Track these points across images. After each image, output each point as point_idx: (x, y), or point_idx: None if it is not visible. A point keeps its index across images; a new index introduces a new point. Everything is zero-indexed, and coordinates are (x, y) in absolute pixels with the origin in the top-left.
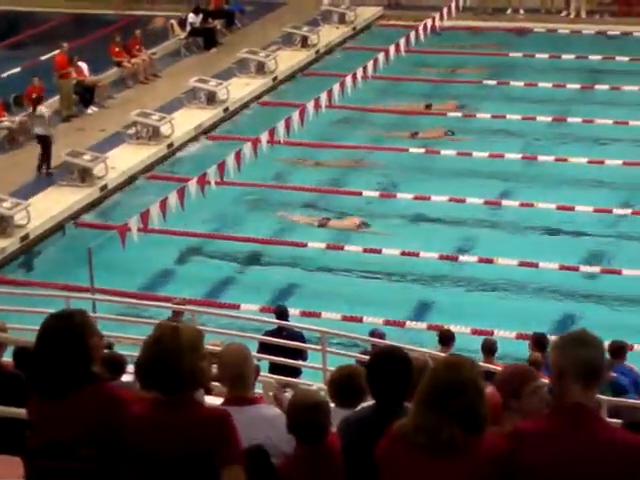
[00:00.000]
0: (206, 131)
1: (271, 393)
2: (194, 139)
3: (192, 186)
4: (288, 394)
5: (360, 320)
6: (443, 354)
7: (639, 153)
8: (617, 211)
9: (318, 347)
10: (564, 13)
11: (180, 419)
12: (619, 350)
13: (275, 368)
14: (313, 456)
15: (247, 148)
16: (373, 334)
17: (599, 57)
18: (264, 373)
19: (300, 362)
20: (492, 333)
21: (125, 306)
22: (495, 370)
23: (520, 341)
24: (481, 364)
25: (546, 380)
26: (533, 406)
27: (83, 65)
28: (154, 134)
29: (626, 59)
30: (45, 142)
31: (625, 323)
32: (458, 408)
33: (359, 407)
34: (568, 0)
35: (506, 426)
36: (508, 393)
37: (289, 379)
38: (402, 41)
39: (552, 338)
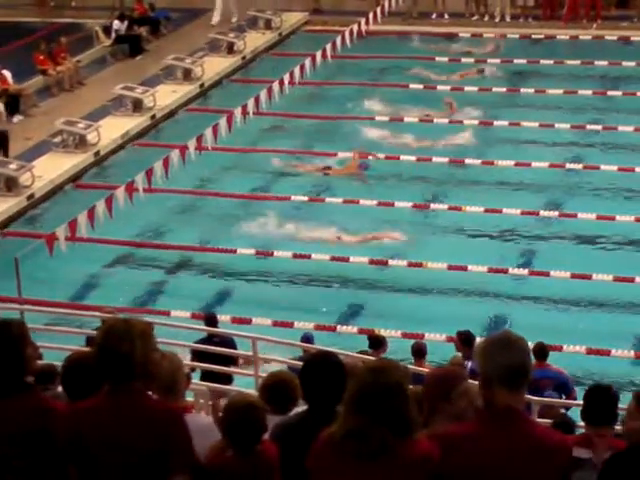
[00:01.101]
0: (133, 138)
1: (211, 402)
2: (121, 147)
3: (120, 194)
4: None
5: (291, 325)
6: (374, 358)
7: (564, 155)
8: (544, 213)
9: (250, 353)
10: (487, 17)
11: (131, 408)
12: (540, 351)
13: (207, 375)
14: (248, 461)
15: (175, 155)
16: (304, 339)
17: (524, 61)
18: (195, 381)
19: (232, 369)
20: (422, 336)
21: (54, 316)
22: (425, 373)
23: (451, 344)
24: (411, 367)
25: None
26: (463, 408)
27: (7, 73)
28: (80, 142)
29: (551, 62)
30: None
31: (554, 324)
32: (386, 412)
33: (291, 413)
34: (482, 4)
35: (437, 429)
36: (438, 396)
37: (221, 386)
38: (328, 46)
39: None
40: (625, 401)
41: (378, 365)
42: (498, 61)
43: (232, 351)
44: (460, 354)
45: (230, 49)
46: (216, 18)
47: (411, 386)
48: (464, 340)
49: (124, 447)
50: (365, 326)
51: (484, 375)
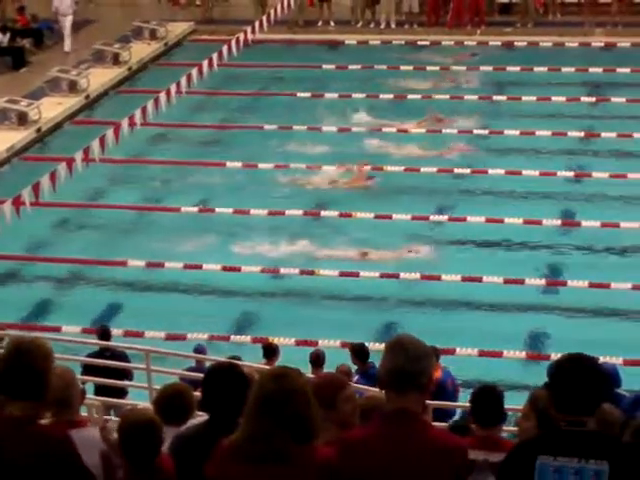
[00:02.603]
0: (19, 152)
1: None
2: (7, 161)
3: (7, 208)
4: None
5: (184, 337)
6: (268, 367)
7: (455, 161)
8: (433, 217)
9: (142, 366)
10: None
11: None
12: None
13: (100, 390)
14: (144, 477)
15: (62, 168)
16: (197, 350)
17: (411, 67)
18: (89, 395)
19: (126, 382)
20: (317, 343)
21: None
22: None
23: (345, 349)
24: (309, 376)
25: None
26: (348, 414)
27: None
28: None
29: (437, 68)
30: None
31: (444, 327)
32: (287, 418)
33: (187, 424)
34: (370, 10)
35: (324, 437)
36: (322, 404)
37: (115, 400)
38: (215, 56)
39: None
40: (518, 402)
41: (279, 371)
42: (384, 67)
43: (124, 364)
44: (346, 365)
45: (116, 60)
46: (68, 46)
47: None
48: (356, 353)
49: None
50: (258, 335)
51: (379, 378)
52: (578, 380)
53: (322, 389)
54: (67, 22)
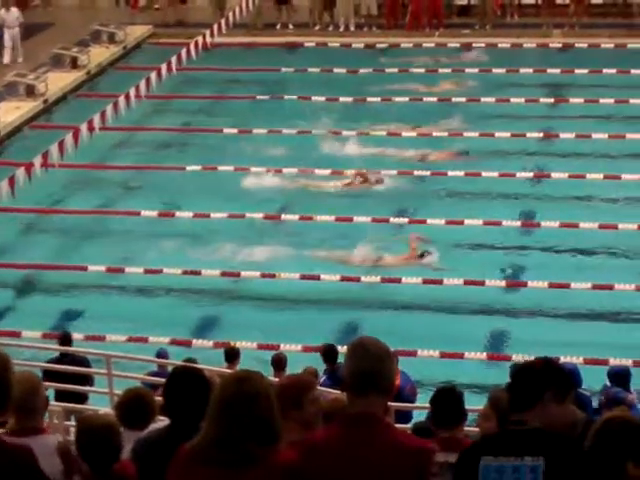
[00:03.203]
0: None
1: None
2: None
3: None
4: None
5: (145, 340)
6: (230, 371)
7: (413, 164)
8: (393, 220)
9: (103, 371)
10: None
11: None
12: None
13: (61, 395)
14: None
15: (20, 173)
16: (159, 355)
17: (370, 70)
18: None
19: (87, 387)
20: (278, 347)
21: None
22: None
23: (307, 353)
24: (272, 379)
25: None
26: (313, 415)
27: None
28: None
29: (395, 70)
30: None
31: (406, 330)
32: (250, 421)
33: (149, 428)
34: (327, 14)
35: (288, 437)
36: (289, 404)
37: (75, 406)
38: (174, 59)
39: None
40: (479, 403)
41: (241, 374)
42: (344, 70)
43: (85, 369)
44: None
45: (74, 64)
46: (6, 58)
47: None
48: (325, 354)
49: None
50: (220, 339)
51: (343, 380)
52: (518, 378)
53: (289, 389)
54: (12, 34)
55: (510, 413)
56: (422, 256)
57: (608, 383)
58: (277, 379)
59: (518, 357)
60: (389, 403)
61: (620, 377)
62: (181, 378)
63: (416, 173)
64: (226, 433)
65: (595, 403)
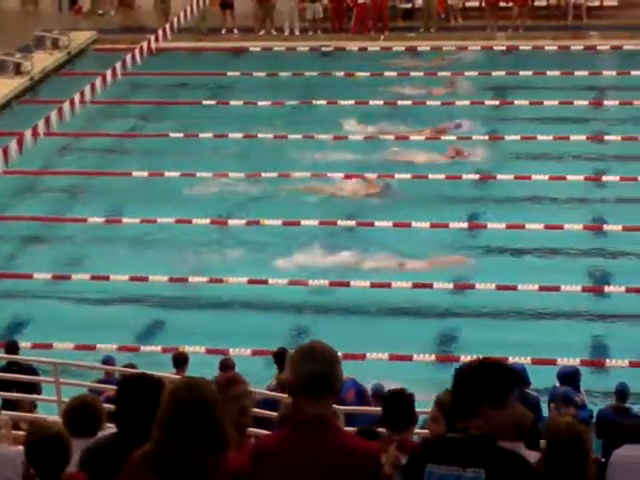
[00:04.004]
0: None
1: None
2: None
3: None
4: None
5: (93, 348)
6: (179, 376)
7: (361, 168)
8: (341, 223)
9: (51, 379)
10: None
11: None
12: None
13: (8, 404)
14: None
15: None
16: (105, 361)
17: (315, 73)
18: None
19: (34, 396)
20: (227, 352)
21: None
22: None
23: (256, 357)
24: None
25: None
26: (232, 415)
27: None
28: None
29: (341, 74)
30: None
31: (355, 333)
32: (202, 429)
33: (97, 436)
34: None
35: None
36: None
37: (23, 414)
38: (118, 64)
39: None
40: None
41: (193, 382)
42: (289, 74)
43: (32, 378)
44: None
45: (17, 70)
46: None
47: None
48: (277, 358)
49: None
50: (169, 345)
51: (290, 384)
52: (454, 386)
53: (219, 386)
54: None
55: (456, 419)
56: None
57: (557, 383)
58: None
59: (467, 358)
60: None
61: (570, 377)
62: (132, 385)
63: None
64: (177, 442)
65: (544, 403)
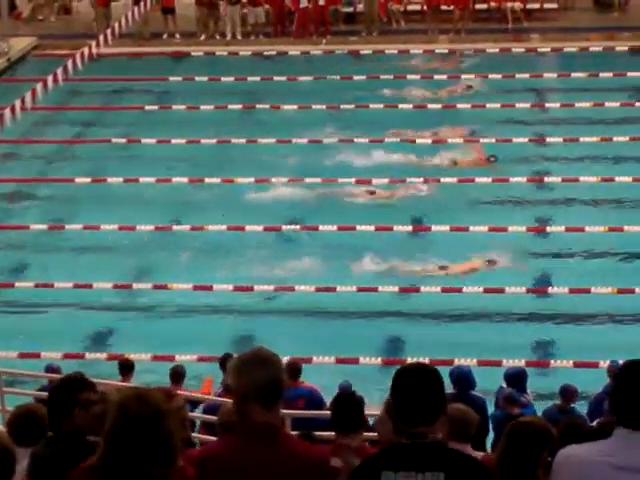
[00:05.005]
0: None
1: None
2: None
3: None
4: None
5: (38, 356)
6: (125, 384)
7: (304, 171)
8: (285, 227)
9: None
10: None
11: None
12: (292, 370)
13: None
14: None
15: None
16: (49, 369)
17: (257, 78)
18: None
19: None
20: (173, 358)
21: None
22: (191, 397)
23: (201, 363)
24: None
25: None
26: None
27: None
28: None
29: (284, 78)
30: None
31: (301, 337)
32: (151, 441)
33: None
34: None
35: None
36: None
37: None
38: (59, 70)
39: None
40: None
41: (143, 392)
42: (232, 79)
43: None
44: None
45: None
46: None
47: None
48: (222, 363)
49: None
50: (114, 352)
51: (238, 392)
52: (412, 392)
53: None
54: None
55: (410, 425)
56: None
57: (504, 384)
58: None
59: (413, 361)
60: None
61: (516, 378)
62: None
63: (307, 180)
64: (127, 453)
65: (490, 405)
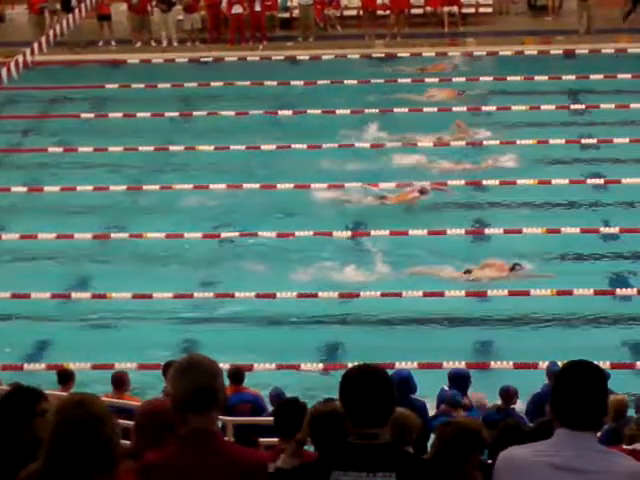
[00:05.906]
0: None
1: None
2: None
3: None
4: None
5: None
6: (64, 393)
7: (239, 177)
8: (224, 235)
9: None
10: (165, 43)
11: None
12: (235, 375)
13: None
14: None
15: None
16: None
17: (194, 84)
18: None
19: None
20: (113, 366)
21: None
22: (129, 404)
23: (143, 371)
24: (113, 399)
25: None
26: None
27: None
28: None
29: (221, 84)
30: None
31: (241, 344)
32: (91, 446)
33: None
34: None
35: None
36: (165, 427)
37: None
38: None
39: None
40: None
41: (81, 397)
42: (168, 85)
43: None
44: None
45: None
46: None
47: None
48: (163, 370)
49: None
50: (53, 361)
51: (173, 399)
52: (363, 393)
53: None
54: None
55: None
56: (513, 269)
57: (446, 387)
58: (118, 400)
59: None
60: (228, 418)
61: (459, 380)
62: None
63: (245, 186)
64: (68, 458)
65: (431, 408)
